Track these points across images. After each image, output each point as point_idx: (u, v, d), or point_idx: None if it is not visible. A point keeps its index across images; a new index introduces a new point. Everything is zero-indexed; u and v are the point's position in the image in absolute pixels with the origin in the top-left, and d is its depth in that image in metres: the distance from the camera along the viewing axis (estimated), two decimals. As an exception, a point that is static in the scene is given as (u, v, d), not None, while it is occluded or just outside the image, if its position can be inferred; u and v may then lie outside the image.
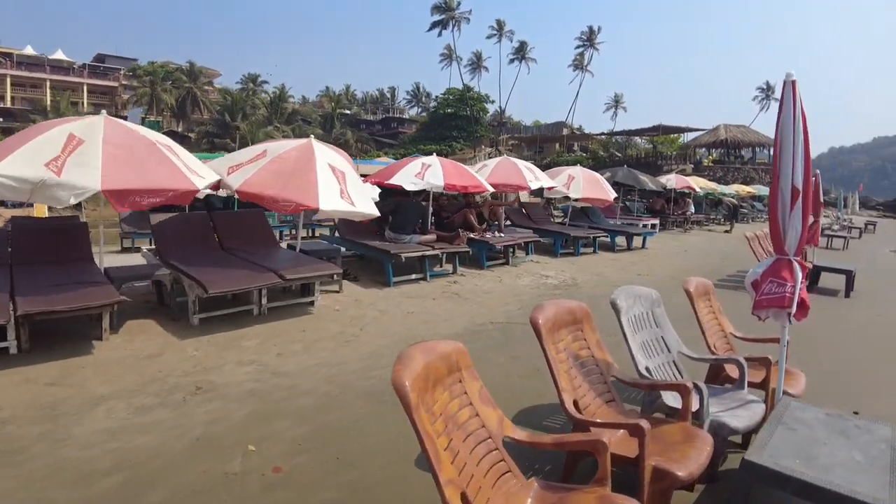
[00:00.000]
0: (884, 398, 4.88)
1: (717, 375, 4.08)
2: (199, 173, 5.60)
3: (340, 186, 6.19)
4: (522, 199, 18.37)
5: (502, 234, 10.22)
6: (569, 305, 3.24)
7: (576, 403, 2.85)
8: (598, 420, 2.78)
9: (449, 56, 75.69)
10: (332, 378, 4.67)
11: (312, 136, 7.03)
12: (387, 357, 5.19)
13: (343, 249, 9.07)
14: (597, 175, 13.27)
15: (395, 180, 8.54)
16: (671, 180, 21.41)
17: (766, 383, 3.70)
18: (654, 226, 18.74)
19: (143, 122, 58.33)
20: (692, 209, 22.95)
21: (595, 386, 3.09)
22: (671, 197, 21.81)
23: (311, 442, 3.63)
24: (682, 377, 3.71)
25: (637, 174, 16.38)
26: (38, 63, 63.82)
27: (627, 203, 21.91)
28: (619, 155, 52.93)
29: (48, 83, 61.96)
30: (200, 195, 7.65)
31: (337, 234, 9.12)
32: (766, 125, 52.19)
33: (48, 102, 54.01)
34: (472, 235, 9.63)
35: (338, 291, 7.33)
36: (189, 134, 59.50)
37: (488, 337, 5.98)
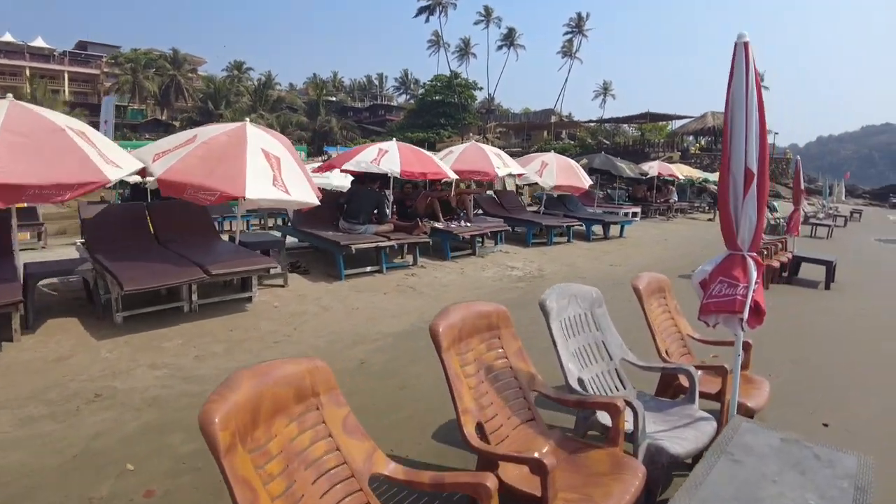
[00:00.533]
0: (859, 404, 4.48)
1: (668, 386, 3.63)
2: (117, 163, 5.08)
3: (273, 173, 5.67)
4: (505, 187, 17.96)
5: (469, 224, 9.74)
6: (482, 309, 2.78)
7: (483, 427, 2.40)
8: (502, 451, 2.32)
9: (436, 42, 74.93)
10: (248, 385, 4.20)
11: (248, 119, 6.48)
12: (315, 360, 4.74)
13: (296, 240, 8.58)
14: (571, 162, 12.80)
15: (350, 166, 8.04)
16: (653, 167, 21.03)
17: (721, 395, 3.27)
18: (635, 214, 18.36)
19: (125, 111, 57.68)
20: (675, 197, 22.56)
21: (511, 403, 2.64)
22: (654, 184, 21.42)
23: (199, 460, 3.16)
24: (624, 388, 3.27)
25: (615, 161, 15.91)
26: (17, 50, 62.28)
27: (609, 191, 21.49)
28: (608, 142, 52.59)
29: (27, 71, 60.56)
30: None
31: (289, 225, 8.60)
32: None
33: (28, 91, 52.81)
34: (436, 225, 9.16)
35: (282, 286, 6.83)
36: (174, 122, 58.60)
37: (435, 335, 5.53)
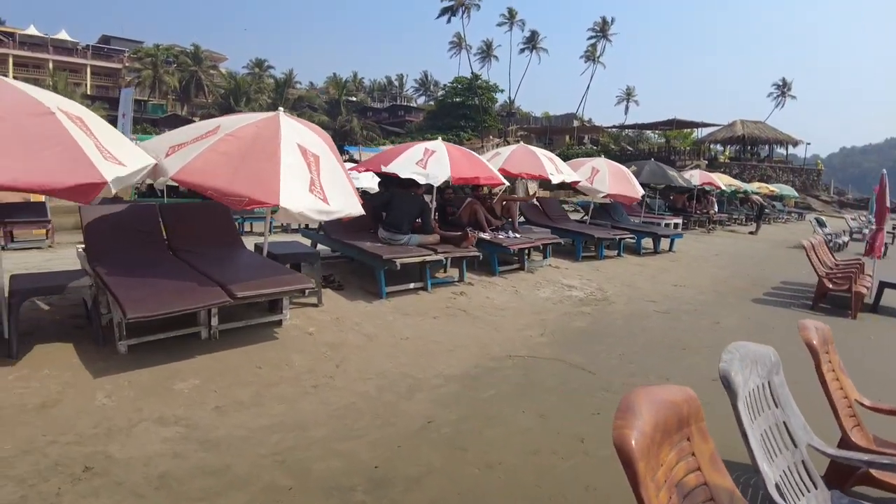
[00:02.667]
0: None
1: (847, 476, 2.60)
2: (119, 158, 4.08)
3: (311, 176, 4.64)
4: (527, 191, 16.86)
5: (517, 235, 8.69)
6: (670, 398, 1.76)
7: None
8: None
9: (458, 44, 74.08)
10: (284, 454, 3.17)
11: (281, 108, 5.45)
12: (366, 416, 3.69)
13: (326, 248, 7.60)
14: (623, 168, 11.69)
15: (392, 168, 7.04)
16: (694, 176, 19.89)
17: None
18: (676, 225, 17.24)
19: (146, 106, 57.40)
20: (716, 208, 21.33)
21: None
22: (693, 194, 20.21)
23: None
24: (815, 489, 2.24)
25: (665, 169, 14.79)
26: (40, 43, 62.53)
27: (648, 200, 20.35)
28: (631, 149, 51.46)
29: (51, 63, 60.62)
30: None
31: (320, 231, 7.58)
32: (781, 122, 50.89)
33: (50, 83, 52.67)
34: (482, 235, 8.13)
35: (316, 305, 5.82)
36: (193, 118, 58.32)
37: (504, 379, 4.47)
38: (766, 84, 72.47)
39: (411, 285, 6.76)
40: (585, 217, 12.87)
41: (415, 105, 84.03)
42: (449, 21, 70.28)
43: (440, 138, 8.04)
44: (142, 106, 58.01)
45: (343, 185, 4.99)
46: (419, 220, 7.23)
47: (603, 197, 10.74)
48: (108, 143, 4.17)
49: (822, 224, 19.17)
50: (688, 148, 50.17)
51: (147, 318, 4.06)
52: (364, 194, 7.19)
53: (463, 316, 6.03)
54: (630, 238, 11.29)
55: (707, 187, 20.86)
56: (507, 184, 8.32)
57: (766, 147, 51.04)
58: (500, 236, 8.40)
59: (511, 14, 70.99)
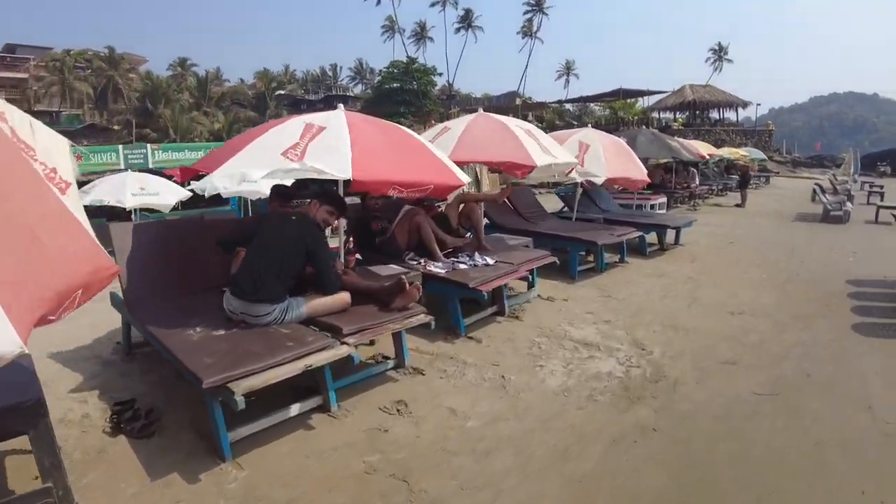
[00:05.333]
0: None
1: None
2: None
3: None
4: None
5: (487, 259, 5.30)
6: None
7: None
8: None
9: (391, 28, 70.32)
10: None
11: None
12: None
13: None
14: (619, 141, 8.44)
15: (230, 170, 3.47)
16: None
17: None
18: (661, 206, 14.23)
19: (59, 117, 51.33)
20: (697, 181, 18.44)
21: None
22: (672, 167, 17.11)
23: None
24: None
25: (665, 139, 11.61)
26: (-68, 56, 55.45)
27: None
28: (576, 123, 49.10)
29: (-53, 77, 53.75)
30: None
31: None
32: (721, 86, 49.34)
33: (-50, 99, 46.17)
34: (432, 268, 4.74)
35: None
36: (114, 126, 52.83)
37: None
38: (703, 50, 71.42)
39: (293, 409, 3.24)
40: (565, 209, 9.65)
41: (351, 94, 79.47)
42: (378, 3, 66.38)
43: (341, 106, 4.43)
44: (54, 117, 52.01)
45: None
46: (315, 266, 3.67)
47: (601, 183, 7.45)
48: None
49: (824, 190, 16.52)
50: (636, 117, 48.16)
51: None
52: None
53: None
54: (636, 235, 8.04)
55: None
56: (466, 180, 4.65)
57: (717, 111, 49.50)
58: (463, 265, 5.02)
59: (443, -9, 67.40)
